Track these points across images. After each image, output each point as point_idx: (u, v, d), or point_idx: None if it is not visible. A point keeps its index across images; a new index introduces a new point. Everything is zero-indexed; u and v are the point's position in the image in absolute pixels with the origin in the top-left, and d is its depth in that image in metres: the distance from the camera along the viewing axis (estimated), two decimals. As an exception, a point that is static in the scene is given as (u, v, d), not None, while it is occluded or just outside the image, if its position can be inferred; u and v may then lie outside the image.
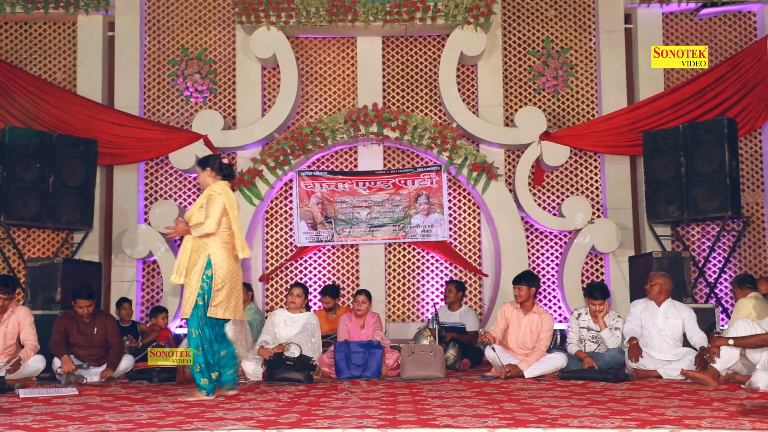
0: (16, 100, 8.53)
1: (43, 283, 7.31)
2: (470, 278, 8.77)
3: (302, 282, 8.16)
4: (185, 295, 4.97)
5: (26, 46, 9.05)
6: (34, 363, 5.98)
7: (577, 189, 8.84)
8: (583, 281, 8.45)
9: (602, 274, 8.68)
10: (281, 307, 7.26)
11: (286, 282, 8.75)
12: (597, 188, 8.83)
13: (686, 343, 6.13)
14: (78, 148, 7.91)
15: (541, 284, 8.61)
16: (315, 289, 8.55)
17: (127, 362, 6.25)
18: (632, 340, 6.04)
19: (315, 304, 8.40)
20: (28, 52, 9.04)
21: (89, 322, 6.18)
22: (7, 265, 8.14)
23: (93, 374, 5.99)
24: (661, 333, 6.09)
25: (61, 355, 5.95)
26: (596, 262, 8.72)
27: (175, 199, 8.81)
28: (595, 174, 8.86)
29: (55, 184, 7.69)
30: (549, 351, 6.25)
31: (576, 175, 8.87)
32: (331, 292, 7.51)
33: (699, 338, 5.96)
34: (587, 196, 8.78)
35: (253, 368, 6.11)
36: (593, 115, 8.89)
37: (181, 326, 8.39)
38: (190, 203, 8.83)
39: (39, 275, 7.34)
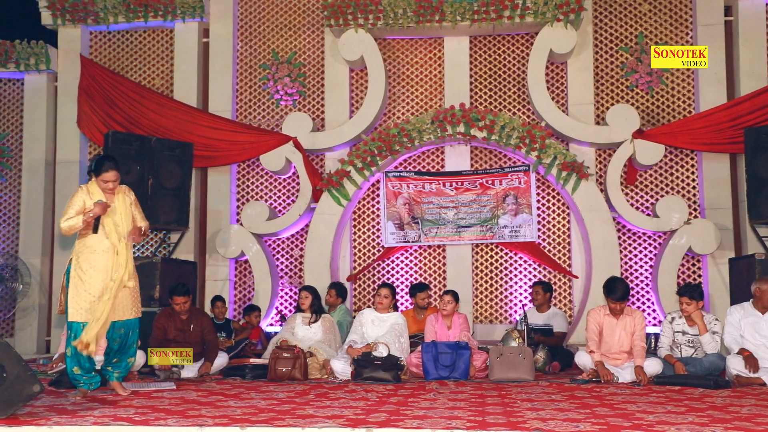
0: (119, 106, 8.95)
1: (142, 282, 7.50)
2: (560, 280, 8.61)
3: (389, 282, 8.20)
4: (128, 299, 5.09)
5: (127, 54, 9.47)
6: (135, 358, 6.22)
7: (672, 188, 8.53)
8: (678, 284, 8.13)
9: (699, 276, 8.35)
10: (369, 307, 7.31)
11: (374, 282, 8.82)
12: (694, 187, 8.50)
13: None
14: (175, 151, 8.20)
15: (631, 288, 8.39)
16: (402, 290, 8.60)
17: (221, 359, 6.46)
18: (744, 351, 5.76)
19: (402, 304, 8.43)
20: (129, 59, 9.46)
21: (186, 319, 6.42)
22: (110, 263, 8.53)
23: (189, 371, 6.21)
24: (765, 338, 5.81)
25: (159, 352, 6.18)
26: (693, 264, 8.40)
27: (266, 200, 9.03)
28: (692, 173, 8.53)
29: (154, 186, 7.99)
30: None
31: (671, 174, 8.56)
32: (419, 288, 7.46)
33: None
34: (683, 195, 8.47)
35: (341, 367, 6.19)
36: (690, 112, 8.56)
37: (272, 324, 8.60)
38: (280, 204, 9.03)
39: (139, 274, 7.51)
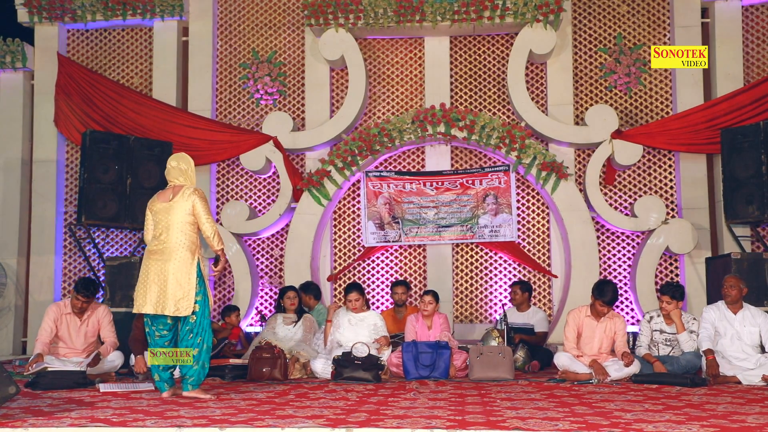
0: (97, 104, 8.87)
1: (121, 282, 7.57)
2: (539, 279, 8.66)
3: (359, 283, 8.13)
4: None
5: (105, 53, 9.38)
6: (113, 359, 6.18)
7: (650, 188, 8.61)
8: (656, 283, 8.22)
9: (677, 276, 8.43)
10: (340, 306, 7.24)
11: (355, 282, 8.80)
12: (672, 187, 8.58)
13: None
14: (154, 150, 8.15)
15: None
16: (383, 289, 8.59)
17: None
18: (708, 354, 5.80)
19: (382, 303, 8.44)
20: (107, 58, 9.37)
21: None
22: (88, 263, 8.47)
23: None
24: (740, 339, 5.88)
25: (137, 352, 6.13)
26: (671, 264, 8.48)
27: (246, 200, 8.98)
28: (670, 173, 8.61)
29: (132, 185, 7.95)
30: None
31: (649, 174, 8.64)
32: (396, 284, 7.53)
33: None
34: (661, 195, 8.55)
35: (321, 367, 6.18)
36: (667, 113, 8.65)
37: (251, 324, 8.56)
38: (260, 203, 8.99)
39: (117, 274, 7.62)
